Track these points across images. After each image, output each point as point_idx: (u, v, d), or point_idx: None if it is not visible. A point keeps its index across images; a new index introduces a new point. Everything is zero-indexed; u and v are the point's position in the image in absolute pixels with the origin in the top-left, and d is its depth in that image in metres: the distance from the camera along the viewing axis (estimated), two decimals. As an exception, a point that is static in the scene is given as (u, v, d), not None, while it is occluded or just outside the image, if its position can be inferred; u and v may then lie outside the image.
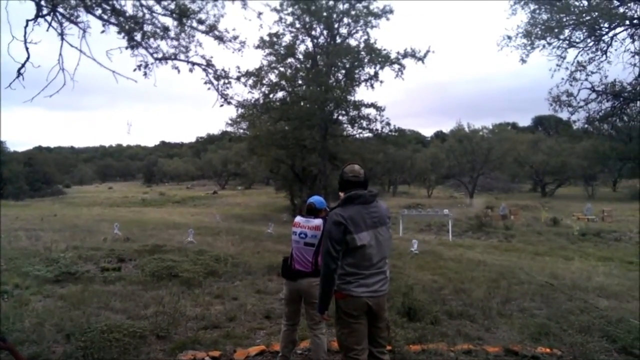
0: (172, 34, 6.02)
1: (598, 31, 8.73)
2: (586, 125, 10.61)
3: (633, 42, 8.55)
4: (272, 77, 20.16)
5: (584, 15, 8.44)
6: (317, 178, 23.22)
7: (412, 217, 20.52)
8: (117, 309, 4.99)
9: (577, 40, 9.03)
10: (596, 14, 8.27)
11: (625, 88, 9.25)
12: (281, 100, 20.35)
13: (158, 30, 5.89)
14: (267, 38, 19.60)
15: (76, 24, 5.07)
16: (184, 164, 68.91)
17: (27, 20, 4.58)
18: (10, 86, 4.51)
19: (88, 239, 10.71)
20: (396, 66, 19.43)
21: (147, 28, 5.79)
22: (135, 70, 5.94)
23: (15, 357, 2.61)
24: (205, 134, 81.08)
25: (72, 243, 9.59)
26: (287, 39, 20.15)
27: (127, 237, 11.12)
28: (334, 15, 19.78)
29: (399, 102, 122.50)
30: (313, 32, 20.41)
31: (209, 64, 6.57)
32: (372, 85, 20.13)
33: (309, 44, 20.78)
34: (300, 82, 20.49)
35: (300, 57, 20.86)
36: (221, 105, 7.04)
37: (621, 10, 8.32)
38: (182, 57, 6.29)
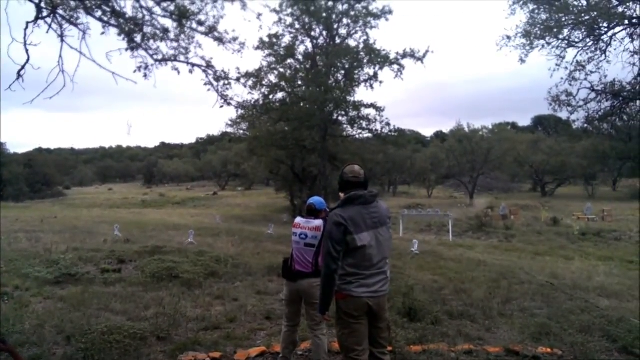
0: (171, 35, 6.02)
1: (597, 31, 8.73)
2: (586, 125, 10.61)
3: (632, 41, 8.56)
4: (272, 78, 20.19)
5: (583, 15, 8.44)
6: (317, 179, 23.22)
7: (412, 218, 20.52)
8: (117, 310, 4.99)
9: (576, 40, 9.04)
10: (595, 13, 8.27)
11: (624, 87, 9.25)
12: (281, 101, 20.35)
13: (158, 32, 5.89)
14: (266, 39, 19.62)
15: (76, 25, 5.07)
16: (184, 165, 68.89)
17: (27, 22, 4.58)
18: (10, 88, 4.50)
19: (88, 240, 10.71)
20: (395, 66, 19.45)
21: (147, 30, 5.79)
22: (135, 71, 5.95)
23: (15, 359, 2.61)
24: (205, 135, 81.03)
25: (73, 244, 9.59)
26: (286, 39, 20.19)
27: (127, 238, 11.13)
28: (334, 16, 19.79)
29: (398, 102, 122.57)
30: (312, 33, 20.43)
31: (209, 65, 6.58)
32: (371, 86, 20.15)
33: (309, 44, 20.83)
34: (299, 82, 20.49)
35: (300, 57, 20.88)
36: (221, 106, 7.06)
37: (620, 9, 8.32)
38: (182, 58, 6.29)
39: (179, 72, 6.49)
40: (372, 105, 20.44)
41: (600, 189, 42.04)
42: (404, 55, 19.16)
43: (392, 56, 19.28)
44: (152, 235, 12.56)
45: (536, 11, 9.01)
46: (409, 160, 42.50)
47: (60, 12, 5.00)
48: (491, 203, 28.55)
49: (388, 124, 20.91)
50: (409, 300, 4.93)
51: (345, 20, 20.19)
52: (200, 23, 6.12)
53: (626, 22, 8.36)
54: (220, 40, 6.44)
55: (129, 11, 5.60)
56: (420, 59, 18.98)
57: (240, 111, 19.43)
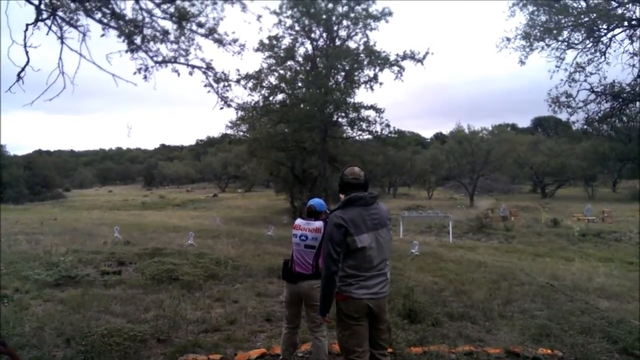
0: (171, 37, 6.04)
1: (597, 32, 8.74)
2: (585, 126, 10.61)
3: (632, 43, 8.56)
4: (272, 79, 20.17)
5: (582, 16, 8.45)
6: (317, 180, 23.20)
7: (412, 219, 20.52)
8: (117, 312, 4.98)
9: (576, 41, 9.04)
10: (595, 15, 8.28)
11: (624, 89, 9.25)
12: (281, 102, 20.35)
13: (158, 34, 5.91)
14: (266, 41, 19.62)
15: (76, 27, 5.08)
16: (184, 166, 68.84)
17: (27, 24, 4.59)
18: (10, 90, 4.50)
19: (88, 242, 10.71)
20: (395, 68, 19.44)
21: (147, 31, 5.81)
22: (135, 73, 5.97)
23: (15, 361, 2.60)
24: (205, 137, 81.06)
25: (72, 247, 9.58)
26: (286, 41, 20.18)
27: (127, 240, 11.12)
28: (334, 18, 19.80)
29: (398, 103, 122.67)
30: (312, 35, 20.43)
31: (209, 67, 6.60)
32: (371, 87, 20.14)
33: (309, 46, 20.82)
34: (299, 84, 20.49)
35: (300, 59, 20.88)
36: (221, 108, 7.08)
37: (619, 11, 8.34)
38: (182, 60, 6.31)
39: (178, 74, 6.52)
40: (372, 107, 20.45)
41: (600, 190, 42.06)
42: (404, 57, 19.17)
43: (392, 58, 19.28)
44: (152, 237, 12.56)
45: (536, 13, 9.03)
46: (409, 162, 42.50)
47: (60, 14, 5.02)
48: (493, 204, 28.56)
49: (388, 126, 20.92)
50: (409, 302, 4.93)
51: (345, 22, 20.21)
52: (200, 25, 6.14)
53: (625, 23, 8.38)
54: (220, 42, 6.46)
55: (128, 13, 5.62)
56: (420, 61, 19.00)
57: (240, 113, 19.45)
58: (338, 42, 20.48)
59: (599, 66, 8.99)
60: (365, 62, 19.79)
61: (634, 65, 8.55)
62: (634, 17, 8.33)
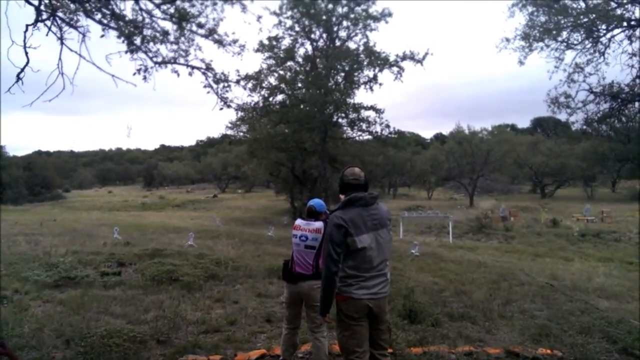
0: (171, 37, 6.05)
1: (596, 33, 8.75)
2: (585, 127, 10.64)
3: (631, 43, 8.57)
4: (272, 80, 20.18)
5: (581, 17, 8.47)
6: (317, 181, 23.20)
7: (412, 219, 20.52)
8: (117, 313, 4.98)
9: (575, 42, 9.05)
10: (594, 15, 8.29)
11: (623, 89, 9.26)
12: (281, 103, 20.36)
13: (157, 34, 5.92)
14: (266, 41, 19.63)
15: (76, 28, 5.08)
16: (184, 167, 68.80)
17: (27, 25, 4.58)
18: (10, 91, 4.50)
19: (88, 243, 10.71)
20: (395, 69, 19.45)
21: (147, 32, 5.82)
22: (134, 74, 5.97)
23: (15, 362, 2.60)
24: (205, 138, 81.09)
25: (72, 247, 9.58)
26: (286, 42, 20.19)
27: (127, 241, 11.12)
28: (333, 19, 19.82)
29: (398, 104, 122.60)
30: (312, 36, 20.45)
31: (209, 68, 6.61)
32: (371, 88, 20.14)
33: (309, 47, 20.83)
34: (299, 85, 20.49)
35: (300, 60, 20.90)
36: (221, 109, 7.09)
37: (618, 11, 8.34)
38: (181, 60, 6.33)
39: (178, 75, 6.53)
40: (372, 107, 20.46)
41: (599, 191, 42.10)
42: (404, 58, 19.19)
43: (392, 58, 19.29)
44: (152, 238, 12.56)
45: (535, 13, 9.04)
46: (409, 162, 42.52)
47: (60, 14, 5.02)
48: (493, 205, 28.56)
49: (388, 126, 20.93)
50: (409, 302, 4.93)
51: (345, 23, 20.22)
52: (200, 25, 6.15)
53: (624, 24, 8.39)
54: (220, 42, 6.47)
55: (128, 14, 5.62)
56: (420, 61, 19.01)
57: (240, 113, 19.42)
58: (338, 43, 20.50)
59: (598, 66, 9.01)
60: (365, 63, 19.80)
61: (632, 66, 8.56)
62: (633, 17, 8.34)
